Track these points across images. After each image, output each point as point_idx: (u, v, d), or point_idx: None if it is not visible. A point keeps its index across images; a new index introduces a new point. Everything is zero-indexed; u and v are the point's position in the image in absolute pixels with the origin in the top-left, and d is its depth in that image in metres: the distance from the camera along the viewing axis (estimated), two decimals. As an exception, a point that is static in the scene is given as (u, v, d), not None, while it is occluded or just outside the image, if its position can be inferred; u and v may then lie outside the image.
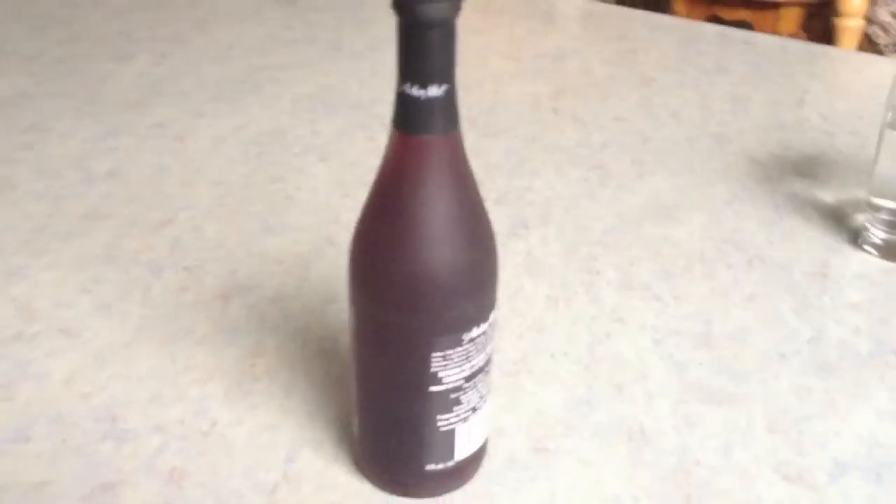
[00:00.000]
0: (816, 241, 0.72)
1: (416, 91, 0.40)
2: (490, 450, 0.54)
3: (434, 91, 0.40)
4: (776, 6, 1.84)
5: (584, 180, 0.78)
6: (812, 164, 0.81)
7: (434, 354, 0.44)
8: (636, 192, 0.77)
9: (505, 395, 0.57)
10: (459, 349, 0.45)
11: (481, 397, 0.48)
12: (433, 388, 0.45)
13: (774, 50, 0.99)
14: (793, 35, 1.86)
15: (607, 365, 0.60)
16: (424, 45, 0.39)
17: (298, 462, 0.52)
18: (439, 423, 0.47)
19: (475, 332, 0.45)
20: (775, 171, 0.80)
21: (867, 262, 0.70)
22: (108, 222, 0.72)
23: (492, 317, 0.46)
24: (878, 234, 0.70)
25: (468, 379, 0.46)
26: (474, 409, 0.48)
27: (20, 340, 0.60)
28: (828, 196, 0.76)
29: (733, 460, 0.54)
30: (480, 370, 0.47)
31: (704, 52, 0.99)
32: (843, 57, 0.98)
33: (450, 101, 0.41)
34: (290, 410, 0.56)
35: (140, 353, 0.60)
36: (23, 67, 0.93)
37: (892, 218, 0.69)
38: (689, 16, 1.88)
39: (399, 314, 0.43)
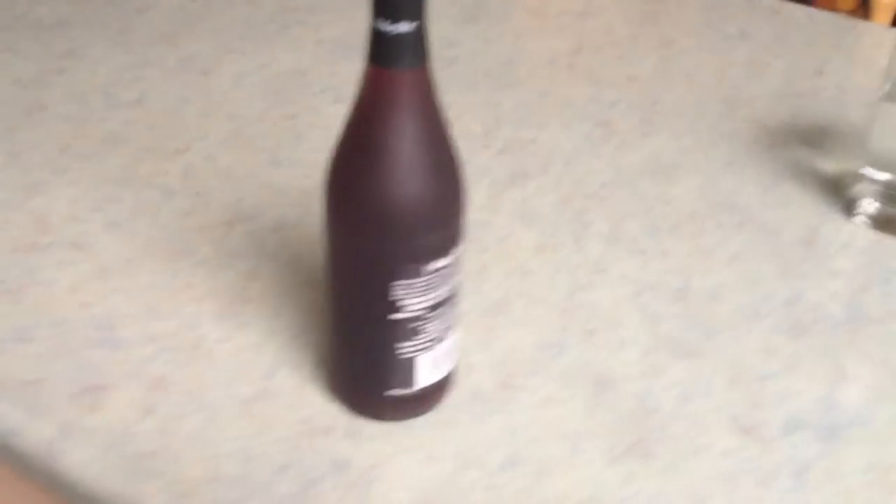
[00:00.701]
0: (810, 209, 0.73)
1: (386, 26, 0.43)
2: (458, 382, 0.57)
3: (404, 26, 0.43)
4: (834, -21, 1.80)
5: (589, 136, 0.80)
6: (819, 133, 0.81)
7: (395, 283, 0.47)
8: (638, 149, 0.78)
9: (480, 333, 0.60)
10: (421, 279, 0.47)
11: (446, 328, 0.51)
12: (393, 316, 0.48)
13: (801, 19, 0.99)
14: (851, 12, 1.83)
15: (583, 312, 0.62)
16: None
17: (276, 379, 0.56)
18: (400, 351, 0.50)
19: (438, 263, 0.48)
20: (781, 139, 0.80)
21: (857, 232, 0.71)
22: (128, 147, 0.75)
23: (457, 250, 0.49)
24: (870, 205, 0.71)
25: (431, 309, 0.49)
26: (438, 340, 0.51)
27: (34, 250, 0.64)
28: (829, 166, 0.77)
29: (690, 409, 0.56)
30: (444, 302, 0.50)
31: (730, 17, 0.99)
32: (869, 30, 0.98)
33: (419, 36, 0.43)
34: (275, 331, 0.59)
35: (143, 268, 0.63)
36: (64, -4, 0.96)
37: (885, 189, 0.69)
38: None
39: (362, 240, 0.46)
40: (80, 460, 0.51)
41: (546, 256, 0.67)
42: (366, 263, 0.47)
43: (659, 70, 0.89)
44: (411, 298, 0.48)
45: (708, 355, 0.60)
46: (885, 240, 0.70)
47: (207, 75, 0.85)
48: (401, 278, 0.47)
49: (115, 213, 0.68)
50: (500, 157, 0.76)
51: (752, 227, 0.70)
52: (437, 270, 0.48)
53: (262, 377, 0.56)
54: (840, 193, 0.74)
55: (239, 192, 0.71)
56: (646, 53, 0.92)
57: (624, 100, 0.85)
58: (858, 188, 0.72)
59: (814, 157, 0.78)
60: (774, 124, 0.82)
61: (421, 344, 0.50)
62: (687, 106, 0.84)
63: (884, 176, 0.69)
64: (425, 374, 0.51)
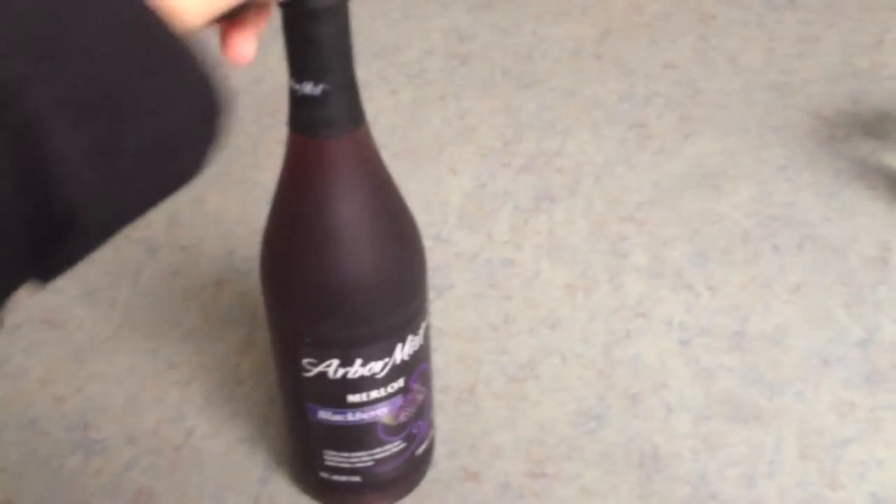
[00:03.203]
0: (880, 218, 0.63)
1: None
2: (483, 472, 0.49)
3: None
4: None
5: (622, 141, 0.71)
6: (884, 121, 0.71)
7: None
8: (679, 156, 0.69)
9: (506, 407, 0.52)
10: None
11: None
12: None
13: (856, -22, 0.88)
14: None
15: (624, 370, 0.54)
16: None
17: (272, 484, 0.49)
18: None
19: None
20: (841, 130, 0.71)
21: (938, 244, 0.61)
22: (108, 192, 0.68)
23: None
24: (952, 213, 0.61)
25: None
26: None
27: (2, 332, 0.58)
28: (900, 161, 0.67)
29: (756, 493, 0.48)
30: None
31: (775, -19, 0.88)
32: (935, -13, 0.87)
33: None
34: (270, 420, 0.52)
35: (122, 347, 0.56)
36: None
37: (969, 195, 0.60)
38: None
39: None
40: None
41: (578, 301, 0.58)
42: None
43: (698, 53, 0.79)
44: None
45: (772, 419, 0.51)
46: (972, 252, 0.61)
47: (195, 97, 0.77)
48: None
49: (91, 279, 0.61)
50: (522, 177, 0.68)
51: (814, 246, 0.61)
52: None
53: (256, 482, 0.49)
54: (915, 196, 0.65)
55: (230, 241, 0.63)
56: (682, 33, 0.82)
57: (660, 93, 0.75)
58: (937, 191, 0.63)
59: (880, 151, 0.69)
60: (832, 113, 0.72)
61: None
62: (732, 96, 0.75)
63: (968, 180, 0.60)
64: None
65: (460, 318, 0.58)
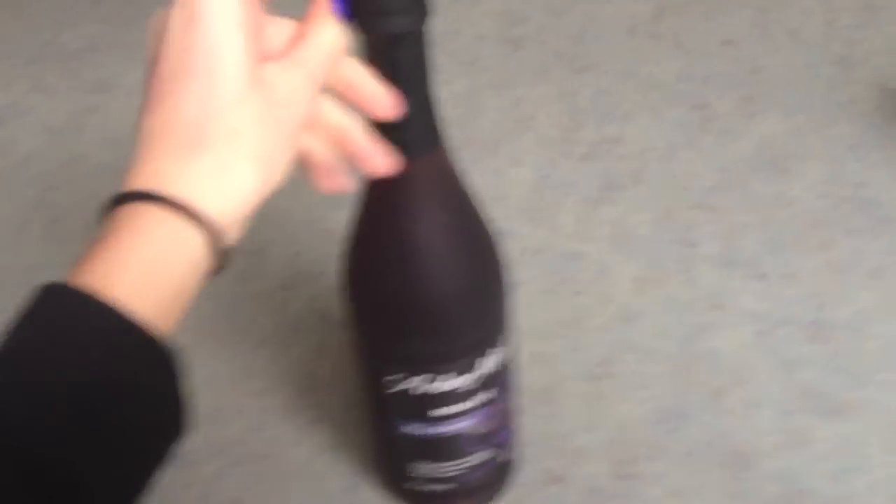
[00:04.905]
0: (957, 196, 0.62)
1: None
2: (568, 475, 0.49)
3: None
4: None
5: (684, 124, 0.69)
6: (956, 92, 0.69)
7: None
8: (743, 136, 0.68)
9: (585, 407, 0.52)
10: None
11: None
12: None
13: (916, -60, 0.85)
14: None
15: (702, 365, 0.54)
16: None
17: (359, 492, 0.49)
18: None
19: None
20: (911, 104, 0.69)
21: None
22: (171, 198, 0.68)
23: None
24: None
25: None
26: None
27: (80, 344, 0.58)
28: (973, 134, 0.66)
29: (847, 488, 0.47)
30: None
31: (831, -53, 0.86)
32: None
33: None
34: (349, 427, 0.52)
35: (199, 355, 0.57)
36: (91, 13, 0.88)
37: None
38: None
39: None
40: None
41: (651, 293, 0.58)
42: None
43: (757, 28, 0.78)
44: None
45: (859, 411, 0.51)
46: None
47: (249, 95, 0.77)
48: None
49: (163, 287, 0.61)
50: (584, 166, 0.67)
51: (889, 228, 0.60)
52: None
53: (341, 490, 0.49)
54: None
55: (296, 243, 0.63)
56: (739, 7, 0.80)
57: (719, 72, 0.74)
58: None
59: (953, 124, 0.67)
60: (900, 85, 0.71)
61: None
62: (794, 72, 0.73)
63: None
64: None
65: (530, 315, 0.57)
